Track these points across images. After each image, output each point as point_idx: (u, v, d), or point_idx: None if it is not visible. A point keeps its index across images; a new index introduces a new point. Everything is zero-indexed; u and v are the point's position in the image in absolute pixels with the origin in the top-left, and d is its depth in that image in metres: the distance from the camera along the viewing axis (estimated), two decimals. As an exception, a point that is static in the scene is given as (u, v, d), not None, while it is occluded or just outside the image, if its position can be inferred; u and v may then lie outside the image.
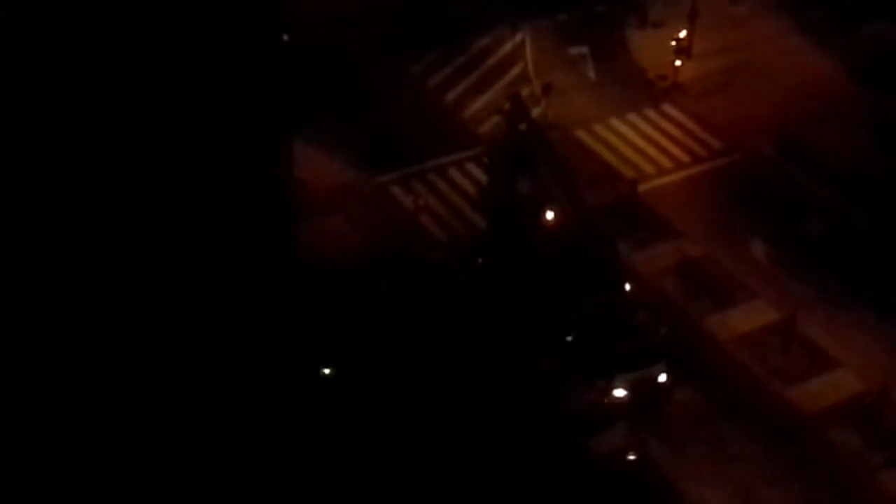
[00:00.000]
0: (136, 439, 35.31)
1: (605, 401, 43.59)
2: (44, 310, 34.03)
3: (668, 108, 56.59)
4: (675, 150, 54.71)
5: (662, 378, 44.05)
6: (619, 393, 43.50)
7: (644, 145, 54.87)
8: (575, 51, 59.37)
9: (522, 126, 47.26)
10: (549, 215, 46.74)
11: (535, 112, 53.78)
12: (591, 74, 58.55)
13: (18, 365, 34.62)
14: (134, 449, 35.50)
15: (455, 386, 44.06)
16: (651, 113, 56.44)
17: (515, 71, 58.39)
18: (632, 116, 56.19)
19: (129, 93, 31.69)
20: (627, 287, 45.44)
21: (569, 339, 44.61)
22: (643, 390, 43.76)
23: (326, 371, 42.74)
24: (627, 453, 42.48)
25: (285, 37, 35.65)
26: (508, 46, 59.61)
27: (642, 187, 52.45)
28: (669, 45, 57.48)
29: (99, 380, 34.52)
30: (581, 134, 54.99)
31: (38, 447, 35.50)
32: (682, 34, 57.30)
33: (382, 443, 42.00)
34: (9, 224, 33.12)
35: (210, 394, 35.37)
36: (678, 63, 57.32)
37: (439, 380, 44.21)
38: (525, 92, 55.35)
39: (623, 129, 55.61)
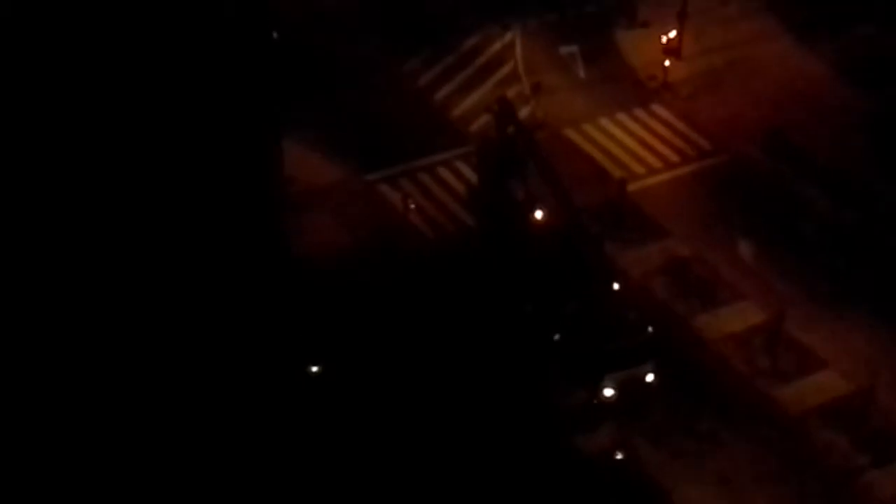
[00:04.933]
0: (125, 435, 35.39)
1: (593, 400, 43.80)
2: (34, 306, 33.94)
3: (658, 108, 56.82)
4: (664, 150, 54.93)
5: (650, 378, 44.22)
6: (607, 392, 43.72)
7: (633, 145, 55.06)
8: (565, 50, 59.52)
9: (510, 129, 47.44)
10: (538, 216, 46.97)
11: (525, 111, 54.03)
12: (581, 74, 58.68)
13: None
14: (123, 445, 35.50)
15: (442, 385, 44.18)
16: (640, 113, 56.64)
17: (505, 70, 58.55)
18: (621, 116, 56.39)
19: (119, 91, 31.81)
20: (615, 287, 45.56)
21: (556, 338, 44.71)
22: (631, 390, 43.96)
23: (314, 369, 42.87)
24: (615, 453, 42.65)
25: (274, 34, 35.73)
26: (498, 45, 59.75)
27: (631, 187, 52.49)
28: (659, 46, 57.77)
29: (87, 377, 34.54)
30: (570, 133, 55.19)
31: (23, 444, 35.43)
32: (672, 34, 57.56)
33: (370, 440, 42.12)
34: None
35: (198, 388, 35.47)
36: (667, 63, 57.53)
37: (426, 379, 44.32)
38: (514, 91, 55.72)
39: (612, 128, 55.80)
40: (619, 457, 42.51)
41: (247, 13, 32.83)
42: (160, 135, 32.50)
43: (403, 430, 42.73)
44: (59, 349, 34.58)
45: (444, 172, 53.54)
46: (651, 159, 54.45)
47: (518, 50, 59.53)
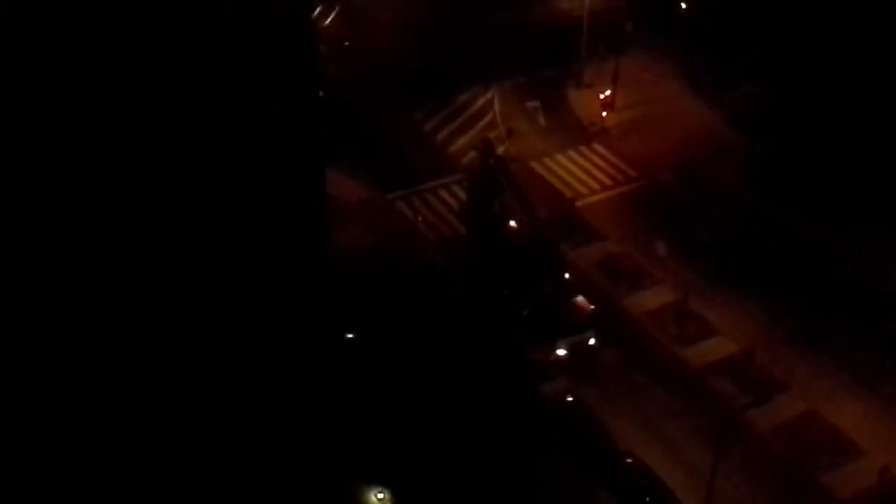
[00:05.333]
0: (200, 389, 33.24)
1: (551, 358, 43.95)
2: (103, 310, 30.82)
3: (597, 147, 56.86)
4: (602, 177, 55.01)
5: (592, 342, 44.51)
6: (561, 352, 43.95)
7: (579, 173, 55.16)
8: (530, 104, 59.58)
9: (491, 161, 47.57)
10: (511, 224, 47.12)
11: (501, 149, 54.05)
12: (542, 122, 58.73)
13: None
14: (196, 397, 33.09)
15: (445, 347, 44.23)
16: (585, 150, 56.69)
17: (487, 119, 58.57)
18: (571, 152, 56.47)
19: (213, 137, 30.82)
20: (567, 276, 45.84)
21: (525, 313, 44.83)
22: (578, 350, 44.21)
23: (350, 335, 42.92)
24: (567, 396, 42.85)
25: (321, 93, 35.48)
26: (481, 101, 59.74)
27: (578, 203, 52.79)
28: (598, 101, 57.89)
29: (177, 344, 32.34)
30: (534, 164, 55.30)
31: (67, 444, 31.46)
32: (608, 93, 57.75)
33: (391, 381, 42.31)
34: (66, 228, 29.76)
35: (266, 352, 34.64)
36: (604, 114, 57.68)
37: (434, 341, 44.42)
38: (493, 134, 55.68)
39: (564, 161, 55.91)
40: (570, 399, 42.66)
41: (302, 80, 32.38)
42: (248, 169, 31.85)
43: (414, 377, 42.77)
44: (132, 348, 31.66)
45: (443, 193, 53.59)
46: (592, 183, 54.52)
47: (496, 104, 59.52)
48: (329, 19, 65.34)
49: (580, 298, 45.06)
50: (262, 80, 31.11)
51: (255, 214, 32.84)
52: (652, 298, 47.63)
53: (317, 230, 35.44)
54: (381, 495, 38.73)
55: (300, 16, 31.75)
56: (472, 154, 52.39)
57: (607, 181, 54.67)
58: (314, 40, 35.88)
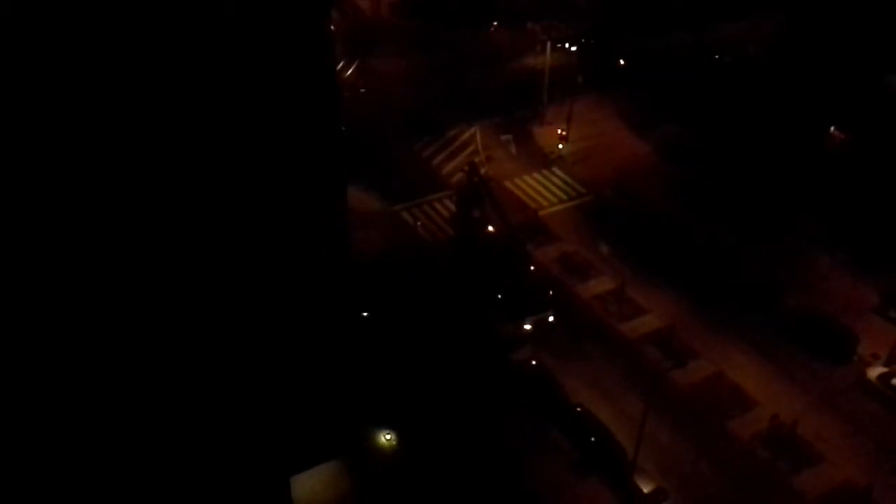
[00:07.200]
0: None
1: (519, 332, 43.81)
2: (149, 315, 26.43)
3: (555, 170, 56.64)
4: (559, 193, 54.73)
5: (551, 319, 44.32)
6: (527, 327, 43.80)
7: (542, 189, 54.86)
8: (504, 137, 59.30)
9: (475, 180, 47.42)
10: (489, 229, 46.92)
11: (483, 171, 53.89)
12: (514, 151, 58.43)
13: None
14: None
15: (439, 322, 44.00)
16: (546, 172, 56.44)
17: (471, 148, 58.30)
18: (535, 174, 56.21)
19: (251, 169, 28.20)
20: (532, 268, 45.67)
21: (499, 297, 44.68)
22: (540, 326, 44.06)
23: (365, 314, 42.78)
24: (531, 361, 42.72)
25: (343, 128, 35.09)
26: (467, 135, 59.48)
27: (541, 213, 52.53)
28: (556, 135, 57.71)
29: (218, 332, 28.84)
30: (508, 183, 55.06)
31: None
32: (563, 129, 57.53)
33: (399, 352, 41.94)
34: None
35: (302, 330, 33.60)
36: (561, 145, 57.48)
37: (430, 318, 44.12)
38: (476, 160, 55.39)
39: (530, 181, 55.65)
40: (533, 363, 42.51)
41: (331, 120, 31.57)
42: (287, 189, 30.56)
43: (416, 346, 42.44)
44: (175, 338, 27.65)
45: (438, 205, 53.24)
46: (551, 198, 54.25)
47: (478, 137, 59.21)
48: (349, 71, 65.15)
49: (541, 285, 44.87)
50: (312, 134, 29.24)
51: (294, 221, 32.29)
52: (597, 286, 47.44)
53: (340, 233, 34.99)
54: (388, 436, 38.42)
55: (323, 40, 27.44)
56: (460, 175, 52.24)
57: (563, 196, 54.42)
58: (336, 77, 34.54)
